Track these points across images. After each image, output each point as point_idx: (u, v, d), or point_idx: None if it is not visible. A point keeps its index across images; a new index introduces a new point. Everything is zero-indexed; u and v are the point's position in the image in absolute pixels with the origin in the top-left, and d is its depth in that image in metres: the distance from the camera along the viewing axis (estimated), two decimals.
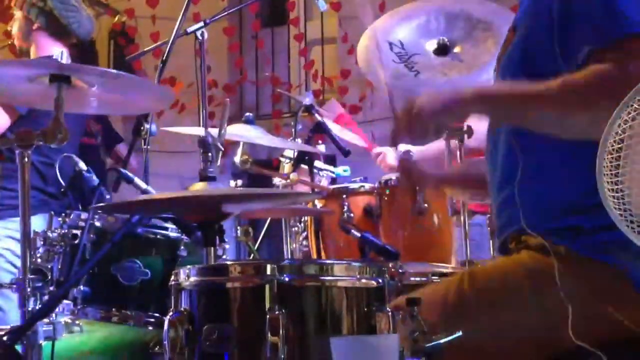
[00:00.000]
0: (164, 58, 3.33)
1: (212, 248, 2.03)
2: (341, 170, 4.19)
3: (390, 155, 3.94)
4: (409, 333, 1.61)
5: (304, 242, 3.71)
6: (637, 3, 1.78)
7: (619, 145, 1.32)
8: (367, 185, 3.55)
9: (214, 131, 2.13)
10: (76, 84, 2.30)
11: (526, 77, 1.88)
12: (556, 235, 1.85)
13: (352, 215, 3.45)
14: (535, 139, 1.85)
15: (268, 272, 1.58)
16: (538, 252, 1.87)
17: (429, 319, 1.65)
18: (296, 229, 3.66)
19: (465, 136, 3.19)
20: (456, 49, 3.13)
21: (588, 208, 1.81)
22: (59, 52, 3.57)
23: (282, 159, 3.85)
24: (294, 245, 3.68)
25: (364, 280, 1.65)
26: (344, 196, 3.45)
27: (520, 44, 1.95)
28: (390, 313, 1.61)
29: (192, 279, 1.67)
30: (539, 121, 1.81)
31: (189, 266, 1.69)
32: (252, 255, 3.60)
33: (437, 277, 2.51)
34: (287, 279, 1.58)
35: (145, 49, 3.91)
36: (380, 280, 1.66)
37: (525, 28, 1.95)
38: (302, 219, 3.62)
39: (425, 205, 3.39)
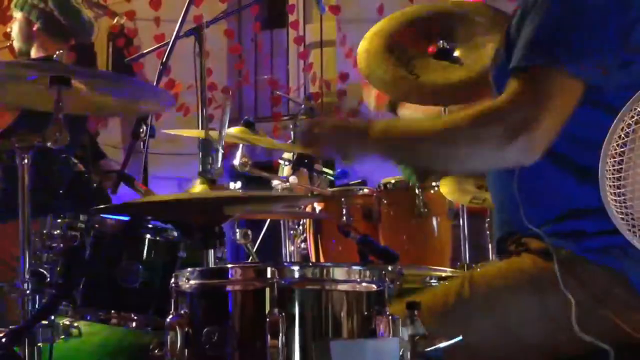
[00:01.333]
0: (164, 60, 3.33)
1: (212, 250, 2.03)
2: (339, 172, 4.19)
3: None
4: (409, 337, 1.61)
5: (303, 245, 3.71)
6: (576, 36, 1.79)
7: (622, 150, 1.32)
8: (366, 189, 3.55)
9: (214, 133, 2.13)
10: (76, 86, 2.30)
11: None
12: (558, 238, 1.85)
13: (351, 218, 3.46)
14: None
15: (268, 275, 1.58)
16: (539, 256, 1.87)
17: (429, 323, 1.65)
18: (295, 231, 3.65)
19: None
20: (456, 53, 3.13)
21: (590, 211, 1.81)
22: (59, 53, 3.56)
23: (281, 162, 3.84)
24: (293, 248, 3.67)
25: (364, 284, 1.64)
26: (343, 199, 3.45)
27: (505, 50, 1.96)
28: (390, 317, 1.61)
29: (192, 281, 1.66)
30: (429, 158, 1.86)
31: (189, 269, 1.69)
32: (250, 258, 3.60)
33: (435, 281, 2.51)
34: (287, 283, 1.58)
35: (144, 51, 3.91)
36: (380, 284, 1.65)
37: (507, 36, 1.96)
38: (301, 222, 3.62)
39: (425, 208, 3.40)
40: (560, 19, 1.80)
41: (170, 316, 1.64)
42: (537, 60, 1.78)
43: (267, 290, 1.57)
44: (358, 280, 1.64)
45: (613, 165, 1.32)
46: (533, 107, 1.74)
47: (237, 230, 3.37)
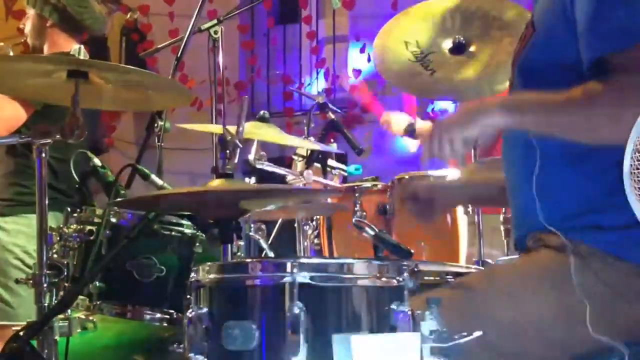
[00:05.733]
0: (179, 55, 3.34)
1: (229, 245, 2.03)
2: (353, 168, 4.19)
3: (395, 122, 3.89)
4: (429, 332, 1.61)
5: (316, 240, 3.70)
6: None
7: None
8: (380, 184, 3.54)
9: (232, 128, 2.12)
10: (93, 80, 2.30)
11: (549, 77, 1.88)
12: (575, 233, 1.85)
13: (364, 213, 3.45)
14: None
15: (288, 270, 1.58)
16: (557, 252, 1.86)
17: (447, 319, 1.64)
18: (308, 227, 3.65)
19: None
20: (472, 48, 3.12)
21: (608, 206, 1.81)
22: (76, 48, 3.57)
23: (295, 157, 3.84)
24: (306, 244, 3.67)
25: (384, 279, 1.64)
26: (357, 195, 3.44)
27: (541, 44, 1.94)
28: (410, 312, 1.60)
29: (212, 275, 1.66)
30: (565, 130, 1.81)
31: (209, 263, 1.68)
32: (264, 253, 3.59)
33: (451, 277, 2.50)
34: (307, 277, 1.57)
35: (159, 46, 3.91)
36: (400, 279, 1.65)
37: (546, 25, 1.94)
38: (314, 217, 3.62)
39: None
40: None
41: (190, 310, 1.64)
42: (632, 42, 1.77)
43: (287, 284, 1.57)
44: (378, 275, 1.63)
45: (638, 160, 1.31)
46: None
47: (251, 225, 3.37)
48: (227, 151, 2.03)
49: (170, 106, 3.33)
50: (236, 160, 2.07)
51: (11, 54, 3.65)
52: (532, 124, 1.85)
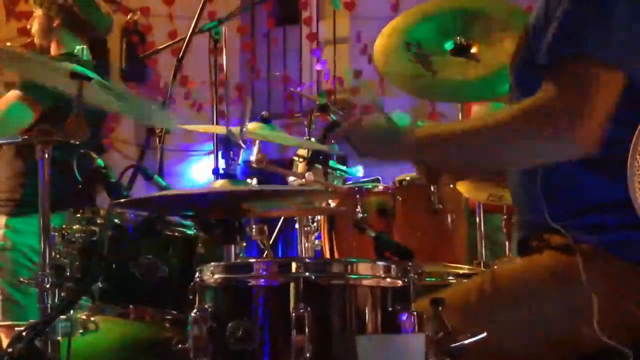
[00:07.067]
0: (180, 56, 3.34)
1: (233, 246, 2.03)
2: (353, 170, 4.18)
3: None
4: (433, 334, 1.61)
5: (317, 242, 3.70)
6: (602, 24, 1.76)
7: None
8: (381, 185, 3.54)
9: (235, 129, 2.12)
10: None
11: (530, 80, 1.89)
12: (580, 232, 1.85)
13: (366, 214, 3.45)
14: None
15: (293, 270, 1.58)
16: (561, 252, 1.86)
17: (451, 320, 1.65)
18: (309, 228, 3.65)
19: None
20: (473, 49, 3.12)
21: (611, 206, 1.81)
22: (79, 49, 3.57)
23: (295, 159, 3.84)
24: (307, 245, 3.67)
25: (389, 280, 1.64)
26: (358, 196, 3.44)
27: (534, 48, 1.95)
28: (415, 313, 1.61)
29: (217, 276, 1.66)
30: (474, 157, 1.84)
31: (213, 263, 1.69)
32: (265, 254, 3.59)
33: (453, 278, 2.50)
34: (312, 277, 1.58)
35: (159, 47, 3.92)
36: (405, 280, 1.65)
37: (537, 32, 1.94)
38: (315, 218, 3.62)
39: (440, 205, 3.39)
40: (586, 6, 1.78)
41: (195, 310, 1.64)
42: (567, 51, 1.76)
43: (292, 285, 1.57)
44: (383, 275, 1.64)
45: None
46: (577, 101, 1.72)
47: (254, 226, 3.37)
48: (230, 152, 2.03)
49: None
50: (239, 161, 2.08)
51: None
52: (439, 155, 1.88)
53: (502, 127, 1.80)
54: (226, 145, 2.00)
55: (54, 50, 3.66)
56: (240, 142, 2.03)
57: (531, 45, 1.89)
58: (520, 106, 1.80)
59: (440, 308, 1.62)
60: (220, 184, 2.02)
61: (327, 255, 3.57)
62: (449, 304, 1.65)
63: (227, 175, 2.01)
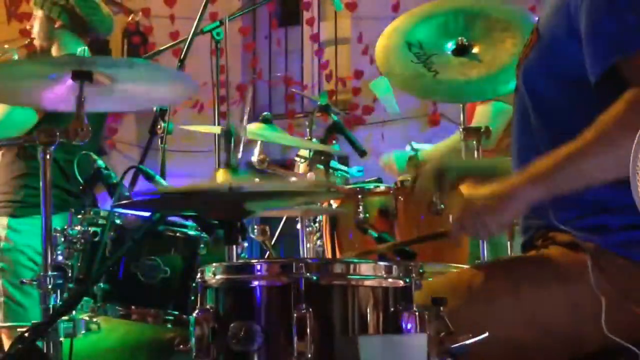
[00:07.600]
0: (182, 57, 3.34)
1: (235, 246, 2.02)
2: (355, 170, 4.19)
3: (397, 162, 3.95)
4: (435, 333, 1.61)
5: (318, 242, 3.70)
6: None
7: None
8: (383, 186, 3.54)
9: (236, 123, 2.10)
10: (98, 80, 2.30)
11: (550, 88, 1.88)
12: (584, 232, 1.85)
13: (367, 215, 3.45)
14: (562, 136, 1.84)
15: (294, 271, 1.58)
16: (567, 248, 1.87)
17: (453, 304, 1.64)
18: (310, 228, 3.65)
19: (484, 136, 3.19)
20: (475, 49, 3.12)
21: (615, 206, 1.82)
22: (80, 50, 3.58)
23: (297, 159, 3.84)
24: (309, 245, 3.67)
25: (390, 280, 1.64)
26: (360, 196, 3.44)
27: (545, 49, 1.94)
28: (417, 313, 1.61)
29: (218, 276, 1.66)
30: (596, 175, 1.78)
31: (214, 264, 1.68)
32: (267, 254, 3.60)
33: None
34: (314, 278, 1.58)
35: (160, 48, 3.92)
36: (406, 280, 1.65)
37: (550, 34, 1.94)
38: (317, 219, 3.62)
39: (441, 205, 3.39)
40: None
41: (197, 311, 1.64)
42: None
43: (294, 285, 1.57)
44: (384, 275, 1.64)
45: None
46: None
47: (255, 226, 3.38)
48: (232, 144, 2.02)
49: (177, 100, 3.28)
50: (241, 154, 2.06)
51: (16, 57, 3.65)
52: (564, 183, 1.80)
53: (612, 131, 1.73)
54: (227, 138, 1.99)
55: (55, 51, 3.66)
56: (242, 134, 2.01)
57: (547, 53, 1.89)
58: (615, 109, 1.74)
59: (441, 308, 1.62)
60: (221, 173, 2.01)
61: (329, 255, 3.57)
62: (451, 288, 1.65)
63: (228, 165, 2.00)
